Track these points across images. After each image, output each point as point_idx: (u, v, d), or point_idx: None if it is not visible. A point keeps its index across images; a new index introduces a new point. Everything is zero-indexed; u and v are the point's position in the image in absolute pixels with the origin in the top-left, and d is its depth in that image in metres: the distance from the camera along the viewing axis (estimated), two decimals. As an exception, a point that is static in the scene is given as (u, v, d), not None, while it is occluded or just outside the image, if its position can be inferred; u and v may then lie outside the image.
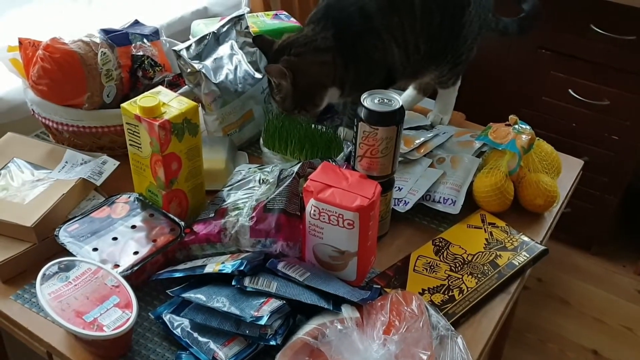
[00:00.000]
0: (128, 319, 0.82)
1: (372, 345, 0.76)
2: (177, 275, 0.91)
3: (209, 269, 0.89)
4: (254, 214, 0.94)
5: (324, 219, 0.90)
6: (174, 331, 0.86)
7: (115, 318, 0.82)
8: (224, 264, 0.89)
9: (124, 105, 0.97)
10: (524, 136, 1.12)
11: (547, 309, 2.01)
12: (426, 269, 0.99)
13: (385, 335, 0.81)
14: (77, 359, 0.86)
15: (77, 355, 0.86)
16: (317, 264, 0.95)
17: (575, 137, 1.99)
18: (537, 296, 2.04)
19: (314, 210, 0.90)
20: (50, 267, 0.89)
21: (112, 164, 1.10)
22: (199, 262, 0.93)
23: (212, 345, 0.83)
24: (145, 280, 0.94)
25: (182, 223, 0.97)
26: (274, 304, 0.84)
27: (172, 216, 0.99)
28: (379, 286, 0.94)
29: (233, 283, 0.86)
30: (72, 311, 0.83)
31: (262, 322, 0.81)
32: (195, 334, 0.85)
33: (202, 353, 0.83)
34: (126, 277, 0.89)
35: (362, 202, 0.88)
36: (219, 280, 0.89)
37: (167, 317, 0.87)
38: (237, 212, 0.96)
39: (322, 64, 1.10)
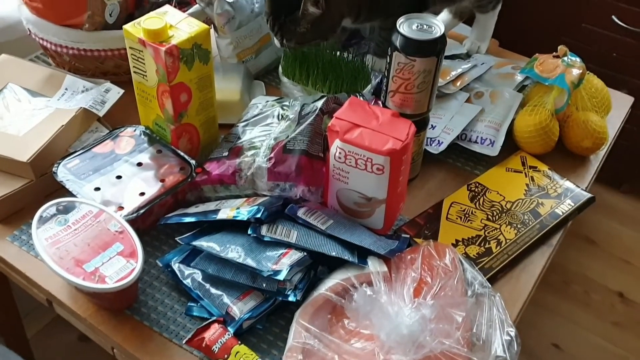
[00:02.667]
0: (133, 270, 0.74)
1: (403, 310, 0.68)
2: (188, 220, 0.83)
3: (222, 214, 0.81)
4: (272, 155, 0.85)
5: (350, 162, 0.80)
6: (184, 281, 0.79)
7: (118, 268, 0.75)
8: (238, 210, 0.80)
9: (126, 27, 0.85)
10: (574, 70, 1.00)
11: (571, 248, 1.93)
12: (460, 217, 0.90)
13: (417, 294, 0.74)
14: (79, 309, 0.79)
15: (79, 305, 0.79)
16: (341, 210, 0.86)
17: (615, 67, 1.84)
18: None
19: (340, 153, 0.80)
20: (47, 208, 0.81)
21: (116, 93, 1.00)
22: (211, 206, 0.85)
23: (225, 298, 0.76)
24: (153, 224, 0.86)
25: (193, 161, 0.88)
26: (294, 255, 0.76)
27: (181, 153, 0.90)
28: (408, 236, 0.86)
29: (249, 232, 0.78)
30: (72, 259, 0.75)
31: (281, 276, 0.73)
32: (207, 285, 0.78)
33: (214, 307, 0.76)
34: (131, 221, 0.81)
35: (394, 145, 0.78)
36: (234, 226, 0.81)
37: (176, 266, 0.80)
38: (253, 151, 0.86)
39: None
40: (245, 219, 0.78)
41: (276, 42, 1.01)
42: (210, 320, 0.74)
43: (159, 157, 0.90)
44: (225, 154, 0.88)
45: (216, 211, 0.82)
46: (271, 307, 0.76)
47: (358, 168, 0.80)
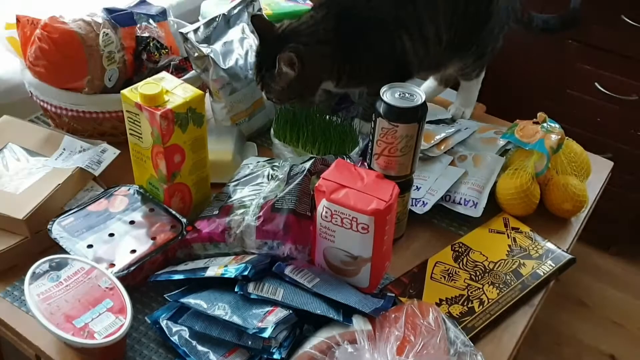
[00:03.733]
0: (121, 326, 0.76)
1: None
2: (177, 277, 0.85)
3: (210, 272, 0.83)
4: (261, 213, 0.87)
5: (336, 221, 0.83)
6: (172, 338, 0.80)
7: (107, 324, 0.76)
8: (226, 268, 0.82)
9: (124, 92, 0.90)
10: (553, 136, 1.04)
11: (563, 310, 1.94)
12: (444, 277, 0.92)
13: (400, 352, 0.75)
14: (68, 366, 0.80)
15: (68, 362, 0.80)
16: (328, 268, 0.88)
17: (599, 132, 1.90)
18: (553, 297, 1.96)
19: (326, 212, 0.83)
20: (40, 265, 0.83)
21: (112, 153, 1.03)
22: (200, 264, 0.87)
23: (211, 355, 0.77)
24: (143, 280, 0.88)
25: (184, 220, 0.91)
26: (280, 313, 0.77)
27: (173, 212, 0.93)
28: (393, 295, 0.88)
29: (236, 290, 0.80)
30: (62, 315, 0.77)
31: (266, 334, 0.75)
32: (194, 343, 0.79)
33: (200, 363, 0.77)
34: (122, 278, 0.82)
35: (378, 205, 0.81)
36: (222, 284, 0.82)
37: (164, 323, 0.81)
38: (243, 210, 0.89)
39: (323, 56, 1.03)
40: (232, 276, 0.81)
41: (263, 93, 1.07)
42: (195, 377, 0.75)
43: (151, 215, 0.93)
44: (216, 212, 0.91)
45: (205, 269, 0.84)
46: (256, 365, 0.77)
47: (344, 227, 0.83)
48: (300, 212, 0.88)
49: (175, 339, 0.80)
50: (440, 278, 0.92)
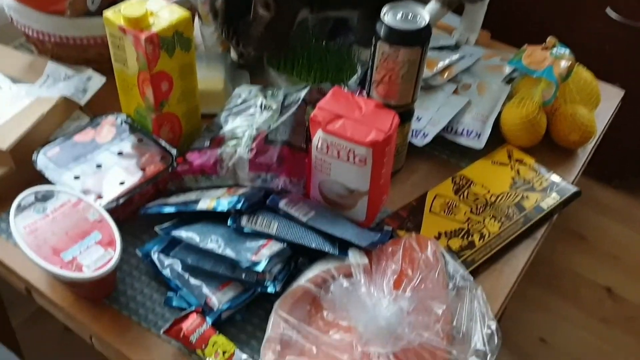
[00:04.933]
0: (110, 259, 0.74)
1: (381, 301, 0.68)
2: (168, 210, 0.82)
3: (202, 204, 0.80)
4: (253, 145, 0.84)
5: (332, 153, 0.79)
6: (163, 271, 0.78)
7: (96, 257, 0.74)
8: (219, 200, 0.79)
9: (106, 14, 0.84)
10: (562, 62, 0.99)
11: (561, 242, 1.93)
12: (444, 210, 0.89)
13: (397, 286, 0.73)
14: (58, 298, 0.78)
15: (58, 294, 0.78)
16: (323, 202, 0.85)
17: (607, 61, 1.83)
18: (551, 229, 1.96)
19: (322, 144, 0.79)
20: (26, 196, 0.80)
21: (98, 81, 0.98)
22: (192, 196, 0.84)
23: (204, 289, 0.75)
24: (133, 213, 0.85)
25: (174, 151, 0.87)
26: (274, 247, 0.75)
27: (163, 143, 0.89)
28: (391, 228, 0.85)
29: (229, 223, 0.77)
30: (49, 248, 0.74)
31: (260, 267, 0.72)
32: (186, 275, 0.77)
33: (193, 297, 0.76)
34: (110, 211, 0.80)
35: (376, 137, 0.77)
36: (214, 217, 0.80)
37: (155, 256, 0.79)
38: (235, 141, 0.85)
39: None
40: (225, 209, 0.78)
41: (233, 54, 0.99)
42: (188, 310, 0.74)
43: (140, 146, 0.89)
44: (207, 144, 0.87)
45: (196, 201, 0.81)
46: (250, 298, 0.76)
47: (340, 160, 0.79)
48: (294, 143, 0.84)
49: (166, 272, 0.78)
50: (440, 211, 0.89)
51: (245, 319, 0.76)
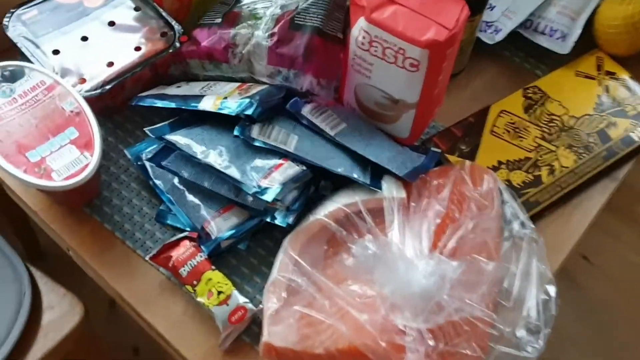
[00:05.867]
0: (86, 166, 0.59)
1: (416, 263, 0.52)
2: (163, 105, 0.66)
3: (206, 103, 0.64)
4: (275, 29, 0.65)
5: (376, 51, 0.61)
6: (156, 182, 0.64)
7: (69, 161, 0.59)
8: (226, 101, 0.63)
9: None
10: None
11: None
12: (508, 132, 0.71)
13: (439, 234, 0.58)
14: (30, 200, 0.66)
15: (30, 196, 0.66)
16: (359, 110, 0.68)
17: None
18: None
19: (364, 37, 0.60)
20: (-10, 72, 0.64)
21: None
22: (196, 89, 0.67)
23: (202, 210, 0.62)
24: (125, 102, 0.70)
25: (179, 27, 0.70)
26: (290, 170, 0.60)
27: (165, 14, 0.71)
28: (439, 151, 0.68)
29: (235, 132, 0.61)
30: (13, 143, 0.60)
31: (269, 197, 0.58)
32: (183, 190, 0.63)
33: (188, 217, 0.62)
34: (94, 99, 0.64)
35: (437, 35, 0.58)
36: (220, 119, 0.64)
37: (147, 162, 0.65)
38: (253, 21, 0.67)
39: None
40: (233, 113, 0.61)
41: None
42: (180, 235, 0.60)
43: (137, 16, 0.71)
44: (219, 20, 0.69)
45: (199, 97, 0.65)
46: (257, 227, 0.62)
47: (385, 60, 0.61)
48: (328, 31, 0.65)
49: (159, 183, 0.64)
50: (503, 133, 0.71)
51: (250, 248, 0.63)
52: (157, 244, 0.62)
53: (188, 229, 0.62)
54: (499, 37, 0.77)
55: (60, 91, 0.63)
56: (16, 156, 0.59)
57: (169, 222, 0.64)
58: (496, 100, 0.74)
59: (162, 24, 0.70)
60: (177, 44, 0.69)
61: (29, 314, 0.77)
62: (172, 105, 0.65)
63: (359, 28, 0.61)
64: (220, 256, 0.61)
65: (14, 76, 0.64)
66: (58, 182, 0.58)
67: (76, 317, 0.80)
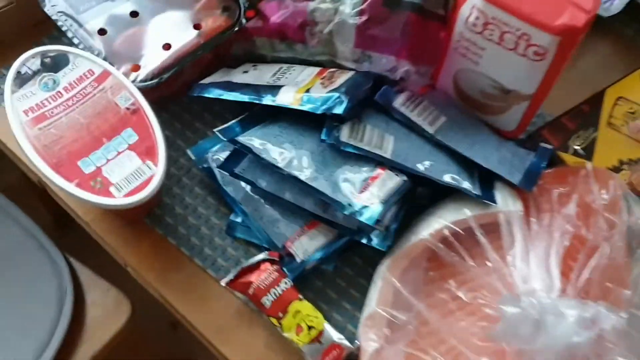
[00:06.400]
0: (150, 179, 0.50)
1: (564, 312, 0.43)
2: (231, 98, 0.56)
3: (284, 97, 0.53)
4: (365, 5, 0.54)
5: (491, 35, 0.50)
6: (226, 188, 0.55)
7: (130, 172, 0.50)
8: (308, 95, 0.53)
9: None
10: None
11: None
12: (628, 122, 0.61)
13: (567, 267, 0.49)
14: (80, 209, 0.57)
15: (80, 204, 0.57)
16: (457, 97, 0.58)
17: None
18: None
19: (477, 17, 0.50)
20: (28, 59, 0.54)
21: None
22: (267, 74, 0.57)
23: (282, 226, 0.53)
24: (182, 88, 0.60)
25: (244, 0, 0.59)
26: (389, 182, 0.50)
27: (227, -16, 0.60)
28: (550, 147, 0.59)
29: (322, 137, 0.51)
30: (62, 150, 0.51)
31: (370, 219, 0.48)
32: (258, 198, 0.54)
33: (265, 233, 0.53)
34: (150, 90, 0.55)
35: (572, 19, 0.47)
36: (299, 113, 0.54)
37: (214, 165, 0.56)
38: (337, -5, 0.56)
39: None
40: (318, 111, 0.51)
41: None
42: (260, 257, 0.52)
43: (194, -14, 0.60)
44: (294, -7, 0.58)
45: (274, 89, 0.55)
46: (346, 245, 0.53)
47: (503, 46, 0.51)
48: (429, 9, 0.54)
49: (230, 190, 0.55)
50: (622, 125, 0.61)
51: (337, 268, 0.54)
52: (229, 262, 0.54)
53: (265, 245, 0.54)
54: (615, 8, 0.65)
55: (113, 82, 0.54)
56: (67, 167, 0.50)
57: (241, 235, 0.55)
58: (610, 83, 0.63)
59: (224, -5, 0.60)
60: (243, 21, 0.58)
61: (72, 312, 0.71)
62: (244, 98, 0.55)
63: (472, 6, 0.50)
64: (304, 278, 0.53)
65: (56, 64, 0.54)
66: (119, 199, 0.49)
67: (123, 316, 0.73)
